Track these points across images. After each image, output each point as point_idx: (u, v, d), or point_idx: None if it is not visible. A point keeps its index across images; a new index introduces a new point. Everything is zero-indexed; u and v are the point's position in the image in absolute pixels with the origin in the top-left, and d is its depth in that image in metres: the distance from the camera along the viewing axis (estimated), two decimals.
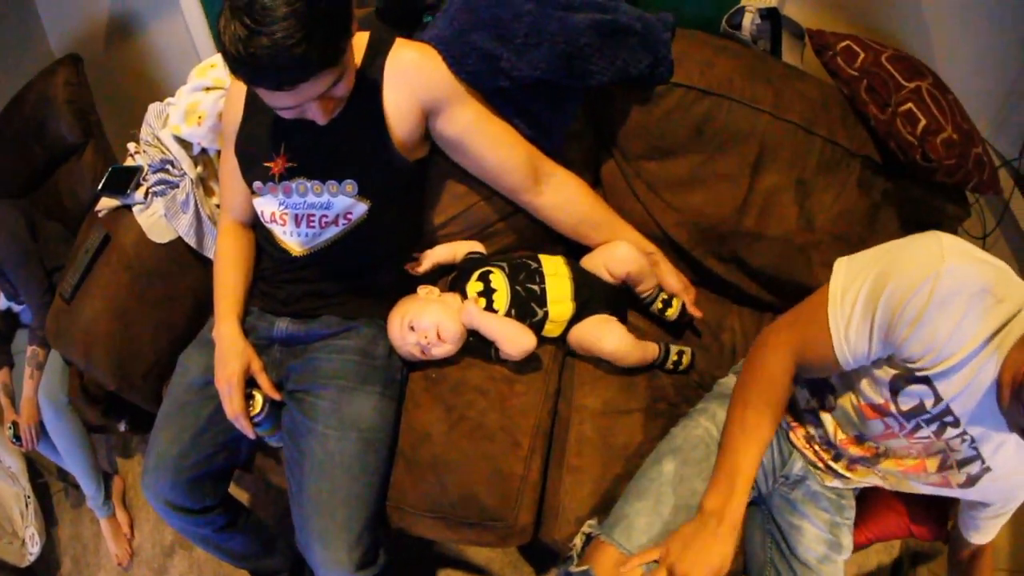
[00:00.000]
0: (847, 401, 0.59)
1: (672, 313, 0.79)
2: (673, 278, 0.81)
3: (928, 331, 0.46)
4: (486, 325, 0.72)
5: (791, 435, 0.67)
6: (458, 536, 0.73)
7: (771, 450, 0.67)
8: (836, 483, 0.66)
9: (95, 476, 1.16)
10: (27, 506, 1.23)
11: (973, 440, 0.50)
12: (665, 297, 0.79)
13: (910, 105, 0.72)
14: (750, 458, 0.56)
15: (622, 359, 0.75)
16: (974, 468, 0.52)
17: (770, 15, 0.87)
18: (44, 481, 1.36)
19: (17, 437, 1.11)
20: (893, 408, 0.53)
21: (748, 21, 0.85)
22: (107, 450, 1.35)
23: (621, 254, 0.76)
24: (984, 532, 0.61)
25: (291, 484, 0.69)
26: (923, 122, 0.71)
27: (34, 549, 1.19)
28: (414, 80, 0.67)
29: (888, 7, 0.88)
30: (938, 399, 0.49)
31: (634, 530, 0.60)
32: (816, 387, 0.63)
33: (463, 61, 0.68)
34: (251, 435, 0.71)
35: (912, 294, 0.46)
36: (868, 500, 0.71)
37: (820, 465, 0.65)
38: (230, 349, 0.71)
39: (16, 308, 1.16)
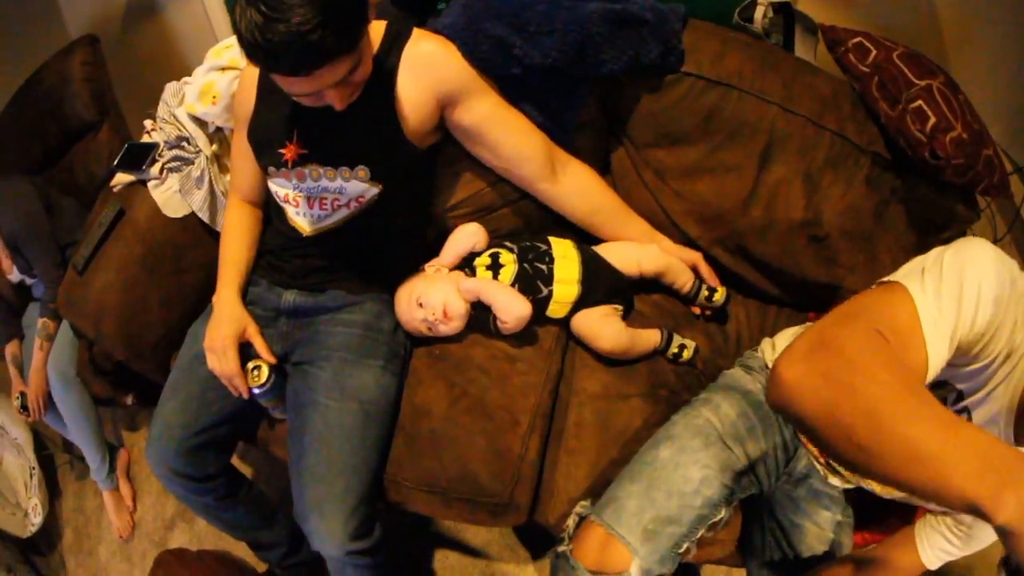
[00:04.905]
0: None
1: (719, 297, 0.83)
2: (687, 252, 0.85)
3: (1003, 328, 0.42)
4: (483, 290, 0.75)
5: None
6: (454, 512, 0.75)
7: (775, 445, 0.67)
8: (836, 481, 0.66)
9: (100, 448, 1.20)
10: (31, 477, 1.27)
11: None
12: (707, 294, 0.83)
13: (920, 103, 0.72)
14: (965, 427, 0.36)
15: (619, 357, 0.78)
16: None
17: (783, 9, 0.89)
18: (49, 453, 1.41)
19: (25, 407, 1.16)
20: None
21: (760, 15, 0.86)
22: (113, 423, 1.39)
23: (653, 254, 0.81)
24: (929, 556, 0.60)
25: (291, 454, 0.73)
26: (933, 120, 0.71)
27: (36, 520, 1.23)
28: (431, 72, 0.69)
29: (904, 8, 0.89)
30: (959, 398, 0.48)
31: (624, 512, 0.61)
32: None
33: (476, 48, 0.71)
34: (245, 395, 0.74)
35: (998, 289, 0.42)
36: (871, 501, 0.70)
37: (821, 460, 0.66)
38: (228, 313, 0.75)
39: (29, 281, 1.20)
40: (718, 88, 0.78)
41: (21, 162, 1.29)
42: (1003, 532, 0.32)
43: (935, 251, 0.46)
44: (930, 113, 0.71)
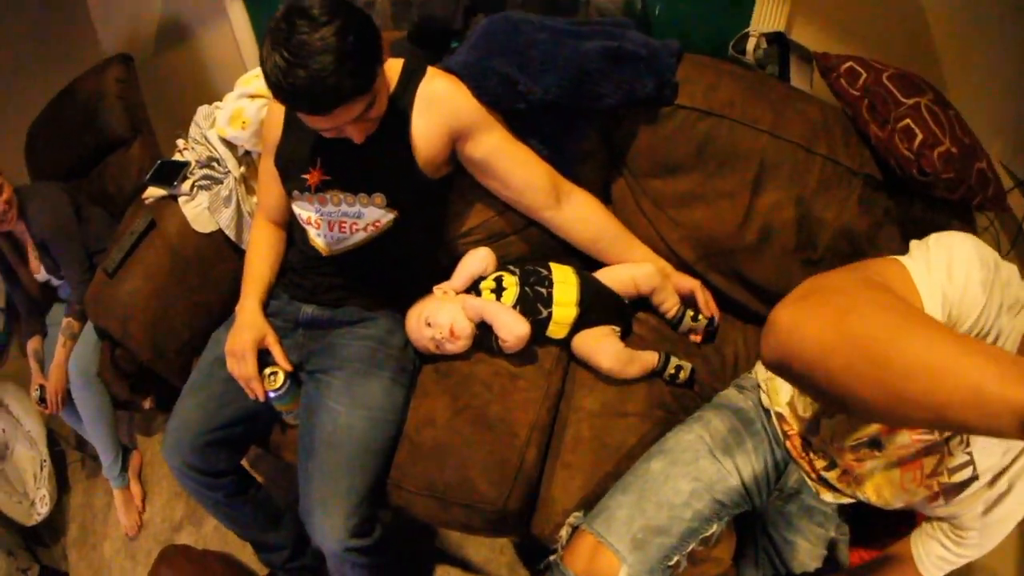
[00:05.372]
0: None
1: (704, 318, 0.88)
2: (686, 280, 0.89)
3: (989, 305, 0.43)
4: (486, 310, 0.81)
5: (787, 444, 0.69)
6: (451, 517, 0.79)
7: (765, 462, 0.69)
8: (829, 496, 0.67)
9: (114, 446, 1.26)
10: (42, 469, 1.31)
11: (969, 443, 0.51)
12: (692, 313, 0.88)
13: (908, 121, 0.73)
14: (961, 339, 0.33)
15: (618, 375, 0.82)
16: (964, 474, 0.53)
17: (777, 40, 0.93)
18: (61, 449, 1.46)
19: (43, 399, 1.21)
20: None
21: (752, 46, 0.91)
22: (129, 427, 1.45)
23: (649, 272, 0.87)
24: (927, 566, 0.60)
25: (301, 454, 0.79)
26: (920, 136, 0.72)
27: (43, 510, 1.27)
28: (444, 108, 0.77)
29: (898, 31, 0.90)
30: None
31: (614, 522, 0.64)
32: None
33: (484, 84, 0.79)
34: (260, 398, 0.80)
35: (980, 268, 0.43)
36: (868, 515, 0.69)
37: (813, 476, 0.67)
38: (250, 322, 0.82)
39: (55, 282, 1.29)
40: (710, 118, 0.83)
41: (54, 169, 1.38)
42: None
43: (915, 241, 0.47)
44: (917, 130, 0.72)
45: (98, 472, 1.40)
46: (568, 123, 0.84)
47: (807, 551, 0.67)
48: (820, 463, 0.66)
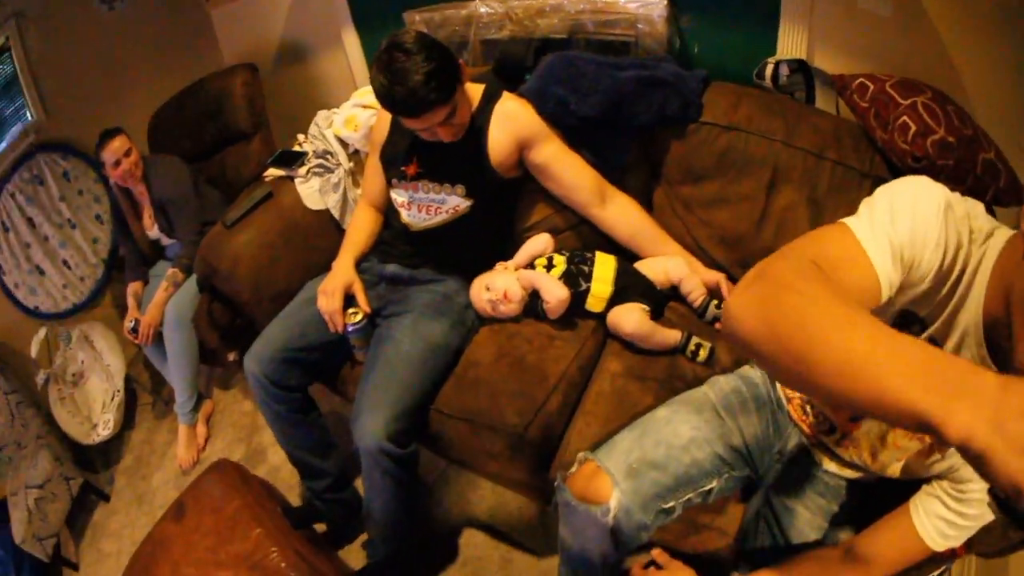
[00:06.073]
0: None
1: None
2: (711, 273, 1.04)
3: (941, 244, 0.45)
4: (534, 278, 1.00)
5: (788, 407, 0.72)
6: (477, 444, 0.92)
7: (767, 424, 0.72)
8: (832, 466, 0.68)
9: (191, 387, 1.43)
10: (112, 399, 1.45)
11: None
12: (716, 302, 1.00)
13: (904, 118, 0.79)
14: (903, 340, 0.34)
15: (640, 341, 0.96)
16: None
17: (801, 67, 1.06)
18: (134, 390, 1.63)
19: (135, 330, 1.38)
20: None
21: (769, 72, 1.08)
22: (208, 380, 1.62)
23: (678, 263, 1.02)
24: (927, 527, 0.56)
25: (363, 377, 0.96)
26: (914, 128, 0.77)
27: (103, 432, 1.39)
28: (514, 123, 0.99)
29: (918, 52, 0.92)
30: (923, 328, 0.49)
31: (614, 451, 0.70)
32: None
33: (545, 105, 1.04)
34: (339, 330, 0.99)
35: (928, 204, 0.45)
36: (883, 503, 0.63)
37: (813, 440, 0.68)
38: (343, 271, 1.05)
39: (165, 241, 1.52)
40: (730, 132, 1.01)
41: (175, 150, 1.58)
42: (963, 452, 0.29)
43: (866, 198, 0.50)
44: (912, 124, 0.78)
45: (165, 415, 1.57)
46: (613, 138, 1.07)
47: (807, 520, 0.67)
48: (820, 428, 0.68)
